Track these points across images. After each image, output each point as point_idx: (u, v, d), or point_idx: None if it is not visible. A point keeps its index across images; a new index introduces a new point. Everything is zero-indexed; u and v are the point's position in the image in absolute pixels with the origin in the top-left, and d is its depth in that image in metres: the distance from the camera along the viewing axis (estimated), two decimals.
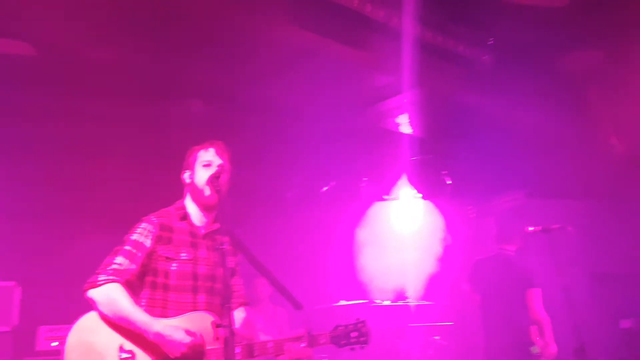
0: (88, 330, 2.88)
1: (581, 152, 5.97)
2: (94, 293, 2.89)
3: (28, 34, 4.49)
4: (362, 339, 3.18)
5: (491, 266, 5.63)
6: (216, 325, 2.60)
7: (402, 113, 6.07)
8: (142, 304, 2.99)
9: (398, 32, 4.76)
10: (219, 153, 3.21)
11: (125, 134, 5.72)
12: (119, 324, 2.87)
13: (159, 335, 2.83)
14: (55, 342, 5.88)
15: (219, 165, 3.17)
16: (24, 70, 4.88)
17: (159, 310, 2.98)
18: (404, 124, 6.29)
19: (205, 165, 3.18)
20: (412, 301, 6.68)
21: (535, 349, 5.02)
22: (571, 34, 5.27)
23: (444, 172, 6.93)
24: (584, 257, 6.53)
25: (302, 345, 3.07)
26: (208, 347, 2.90)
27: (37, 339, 5.84)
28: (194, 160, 3.24)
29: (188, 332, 2.87)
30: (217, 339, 2.61)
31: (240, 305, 3.29)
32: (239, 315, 3.24)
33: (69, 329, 5.95)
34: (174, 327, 2.87)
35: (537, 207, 6.67)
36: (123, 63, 4.71)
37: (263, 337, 3.20)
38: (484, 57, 5.50)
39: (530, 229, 4.87)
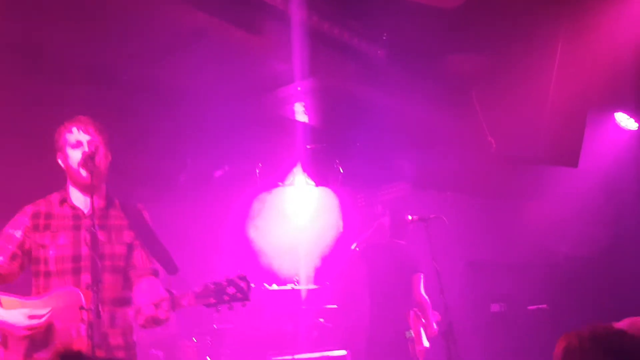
0: None
1: (461, 148, 6.35)
2: None
3: None
4: (239, 295, 2.89)
5: (381, 253, 5.94)
6: (81, 309, 2.58)
7: (298, 101, 6.14)
8: (32, 292, 3.01)
9: (297, 20, 4.79)
10: (83, 129, 3.11)
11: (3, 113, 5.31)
12: None
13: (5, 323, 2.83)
14: None
15: (90, 143, 3.07)
16: None
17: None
18: (300, 112, 6.37)
19: (73, 146, 3.09)
20: (300, 285, 6.84)
21: (409, 333, 5.33)
22: (460, 36, 5.55)
23: (336, 161, 7.11)
24: (458, 246, 7.01)
25: (165, 309, 2.91)
26: (59, 326, 2.86)
27: None
28: (64, 142, 3.14)
29: (30, 316, 2.82)
30: (82, 320, 2.59)
31: (144, 276, 3.20)
32: (140, 287, 3.17)
33: None
34: (14, 312, 2.83)
35: (421, 198, 7.06)
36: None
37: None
38: (378, 52, 5.67)
39: (410, 217, 5.24)
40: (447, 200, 7.16)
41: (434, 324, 5.48)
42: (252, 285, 3.02)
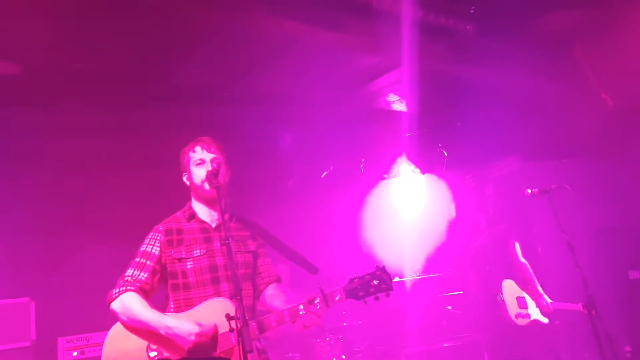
0: (118, 339, 3.02)
1: (572, 111, 5.99)
2: (112, 305, 3.03)
3: (11, 52, 4.49)
4: (383, 286, 3.03)
5: (485, 249, 5.86)
6: (228, 318, 2.66)
7: (392, 91, 6.08)
8: (170, 307, 3.11)
9: (380, 10, 4.76)
10: (206, 148, 3.29)
11: (122, 142, 5.74)
12: (137, 328, 2.97)
13: (167, 328, 2.92)
14: (74, 352, 5.97)
15: (213, 161, 3.24)
16: (11, 89, 4.89)
17: (185, 309, 3.08)
18: (397, 102, 6.31)
19: (198, 164, 3.27)
20: (420, 275, 6.75)
21: (500, 297, 5.32)
22: None
23: (439, 145, 6.96)
24: (585, 214, 6.60)
25: (320, 306, 2.98)
26: (221, 332, 2.96)
27: (58, 350, 5.92)
28: (187, 162, 3.33)
29: (197, 323, 2.93)
30: (231, 330, 2.67)
31: (269, 284, 3.34)
32: (269, 293, 3.30)
33: (86, 338, 6.06)
34: (181, 319, 2.96)
35: (534, 170, 6.72)
36: (109, 72, 4.71)
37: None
38: (467, 27, 5.50)
39: (529, 191, 4.96)
40: (564, 168, 6.75)
41: (546, 299, 5.38)
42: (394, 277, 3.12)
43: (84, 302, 5.73)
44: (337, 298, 3.02)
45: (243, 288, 3.12)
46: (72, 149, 5.86)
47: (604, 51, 5.48)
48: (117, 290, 3.04)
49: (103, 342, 5.88)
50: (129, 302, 2.99)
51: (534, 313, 5.50)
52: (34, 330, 5.82)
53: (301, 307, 3.00)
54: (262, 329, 3.00)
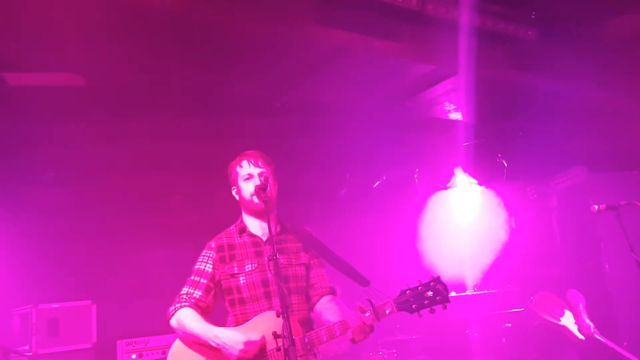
0: (178, 354, 3.10)
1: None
2: (171, 322, 3.14)
3: (77, 65, 4.70)
4: (438, 298, 2.87)
5: None
6: (275, 336, 2.65)
7: (449, 99, 5.95)
8: (230, 322, 3.17)
9: (435, 17, 4.67)
10: (253, 163, 3.30)
11: (179, 150, 5.90)
12: (192, 342, 3.05)
13: (216, 337, 2.96)
14: (133, 354, 6.13)
15: (261, 175, 3.24)
16: (76, 101, 5.12)
17: (242, 323, 3.11)
18: (453, 111, 6.16)
19: (246, 179, 3.28)
20: (477, 290, 6.53)
21: None
22: None
23: (499, 155, 6.73)
24: None
25: (370, 320, 2.88)
26: (269, 348, 2.95)
27: (118, 353, 6.10)
28: (235, 176, 3.35)
29: (247, 336, 2.94)
30: (278, 350, 2.67)
31: (322, 295, 3.29)
32: (322, 305, 3.25)
33: (145, 341, 6.23)
34: (231, 331, 2.99)
35: (600, 182, 6.37)
36: (165, 83, 4.86)
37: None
38: (528, 33, 5.31)
39: (596, 207, 4.65)
40: (632, 180, 6.37)
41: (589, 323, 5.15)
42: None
43: (143, 306, 5.91)
44: (387, 311, 2.91)
45: (294, 302, 3.14)
46: (129, 156, 6.06)
47: None
48: (174, 308, 3.13)
49: (160, 345, 6.05)
50: (183, 317, 3.08)
51: (568, 322, 5.35)
52: (95, 332, 6.03)
53: (351, 319, 2.91)
54: (312, 343, 2.97)
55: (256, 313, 3.10)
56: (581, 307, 5.53)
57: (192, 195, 6.84)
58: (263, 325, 2.99)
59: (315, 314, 3.27)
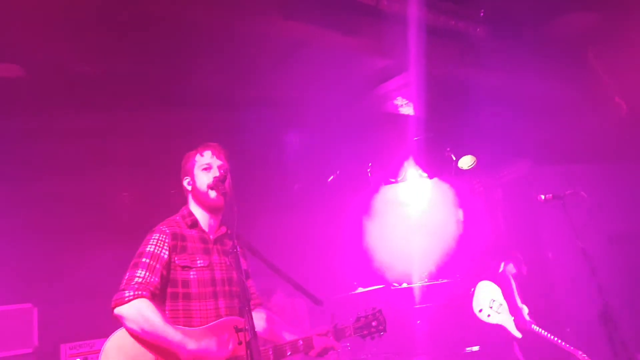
0: (119, 350, 2.81)
1: (584, 115, 5.90)
2: (122, 309, 2.80)
3: (15, 55, 4.42)
4: (380, 327, 3.36)
5: None
6: (236, 330, 2.58)
7: (400, 94, 6.00)
8: (166, 315, 2.92)
9: (389, 13, 4.68)
10: (215, 154, 3.19)
11: (124, 146, 5.69)
12: (148, 341, 2.80)
13: (192, 353, 2.79)
14: (77, 358, 5.91)
15: (221, 167, 3.14)
16: (15, 93, 4.83)
17: (182, 320, 2.94)
18: (404, 106, 6.22)
19: (204, 169, 3.16)
20: (428, 282, 6.64)
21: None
22: None
23: (447, 149, 6.87)
24: (600, 220, 6.49)
25: (332, 339, 3.18)
26: (239, 354, 2.88)
27: (61, 357, 5.85)
28: (192, 165, 3.21)
29: (219, 343, 2.86)
30: (240, 343, 2.56)
31: (257, 306, 3.30)
32: (259, 316, 3.23)
33: (90, 344, 5.99)
34: (207, 343, 2.85)
35: (544, 175, 6.62)
36: (114, 75, 4.65)
37: (288, 337, 3.17)
38: (477, 30, 5.41)
39: (542, 197, 4.83)
40: (575, 173, 6.65)
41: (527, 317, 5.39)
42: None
43: (87, 308, 5.68)
44: (347, 334, 3.29)
45: (232, 306, 3.05)
46: (72, 153, 5.80)
47: (618, 55, 5.38)
48: (130, 294, 2.80)
49: None
50: (147, 312, 2.78)
51: (504, 320, 5.54)
52: (36, 336, 5.76)
53: (315, 338, 3.14)
54: (277, 355, 2.97)
55: (200, 312, 2.97)
56: (514, 288, 5.73)
57: (139, 194, 6.62)
58: (228, 330, 2.92)
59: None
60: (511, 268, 5.96)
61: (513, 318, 5.67)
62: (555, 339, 5.33)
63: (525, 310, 5.70)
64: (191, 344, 2.80)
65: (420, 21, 4.90)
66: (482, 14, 5.36)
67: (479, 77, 5.75)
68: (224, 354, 2.86)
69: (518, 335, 5.62)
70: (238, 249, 2.84)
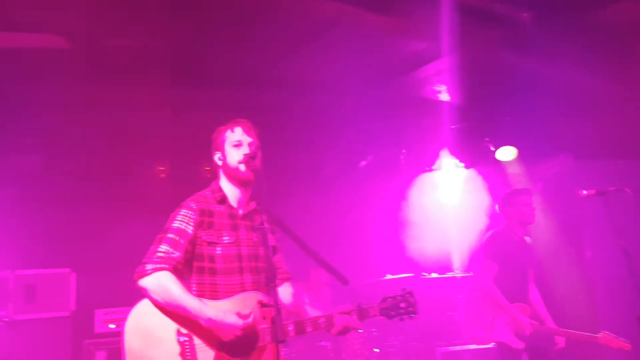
0: (145, 315, 2.90)
1: (630, 110, 5.63)
2: (145, 281, 2.88)
3: (59, 26, 4.56)
4: (410, 309, 3.22)
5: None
6: (262, 305, 2.65)
7: (439, 80, 5.87)
8: (193, 289, 3.01)
9: None
10: (246, 131, 3.19)
11: (161, 120, 5.81)
12: (171, 311, 2.88)
13: (211, 321, 2.84)
14: (112, 324, 6.12)
15: (252, 144, 3.16)
16: (59, 64, 4.99)
17: (208, 294, 3.00)
18: (442, 92, 6.09)
19: (235, 145, 3.16)
20: (459, 273, 6.55)
21: None
22: None
23: (486, 139, 6.70)
24: None
25: (354, 319, 3.11)
26: (260, 327, 2.92)
27: (95, 322, 6.07)
28: (223, 141, 3.22)
29: (240, 315, 2.88)
30: (264, 318, 2.63)
31: (285, 280, 3.31)
32: (285, 290, 3.27)
33: (123, 312, 6.21)
34: (225, 312, 2.88)
35: (586, 170, 6.37)
36: (149, 49, 4.74)
37: (312, 312, 3.19)
38: (522, 15, 5.22)
39: (584, 192, 4.61)
40: (618, 169, 6.37)
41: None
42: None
43: (123, 276, 5.81)
44: (371, 314, 3.19)
45: (258, 281, 3.08)
46: (112, 124, 5.97)
47: None
48: (152, 267, 2.89)
49: None
50: (167, 283, 2.87)
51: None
52: (73, 300, 5.99)
53: (337, 316, 3.09)
54: (297, 330, 2.98)
55: (226, 287, 3.00)
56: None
57: (173, 167, 6.77)
58: (250, 304, 2.94)
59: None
60: None
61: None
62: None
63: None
64: (210, 312, 2.85)
65: (461, 3, 4.77)
66: None
67: (521, 64, 5.56)
68: (243, 325, 2.88)
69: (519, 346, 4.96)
70: (266, 225, 2.88)
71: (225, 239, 3.08)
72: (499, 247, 5.02)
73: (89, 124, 5.90)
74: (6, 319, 5.51)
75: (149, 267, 2.90)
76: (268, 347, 2.90)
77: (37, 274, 5.91)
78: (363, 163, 6.99)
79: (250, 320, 2.88)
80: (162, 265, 2.91)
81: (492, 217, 6.86)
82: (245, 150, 3.12)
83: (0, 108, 5.43)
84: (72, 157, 6.29)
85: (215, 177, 3.30)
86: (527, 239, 5.19)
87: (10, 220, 6.11)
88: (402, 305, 3.21)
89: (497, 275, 4.93)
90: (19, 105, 5.47)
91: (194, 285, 3.02)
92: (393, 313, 3.20)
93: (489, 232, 5.29)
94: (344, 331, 3.13)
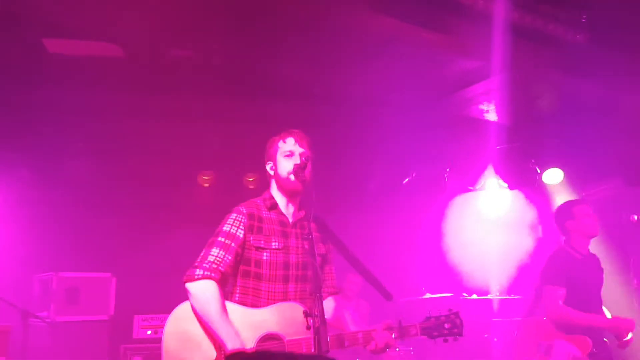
0: (184, 320, 2.95)
1: None
2: (191, 286, 2.95)
3: (115, 35, 4.67)
4: (455, 330, 3.14)
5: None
6: (306, 315, 2.60)
7: (487, 99, 5.81)
8: (236, 292, 3.05)
9: (484, 12, 4.53)
10: (298, 142, 3.22)
11: (209, 130, 5.88)
12: (203, 321, 2.91)
13: (224, 345, 2.83)
14: (149, 330, 6.16)
15: (303, 155, 3.17)
16: (114, 72, 5.10)
17: (251, 298, 3.03)
18: (490, 111, 6.02)
19: (286, 155, 3.19)
20: (499, 295, 6.41)
21: None
22: None
23: (532, 161, 6.58)
24: None
25: (393, 335, 3.04)
26: (287, 339, 2.91)
27: (134, 327, 6.12)
28: (275, 151, 3.26)
29: (259, 328, 2.89)
30: (308, 328, 2.60)
31: (331, 294, 3.28)
32: (328, 304, 3.23)
33: (161, 319, 6.24)
34: (236, 338, 2.85)
35: (636, 197, 6.19)
36: (205, 61, 4.81)
37: (353, 328, 3.15)
38: (576, 37, 5.14)
39: (635, 217, 4.47)
40: None
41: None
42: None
43: (162, 283, 5.90)
44: (412, 333, 3.11)
45: (304, 290, 3.06)
46: (161, 133, 6.06)
47: None
48: (201, 273, 2.94)
49: None
50: (209, 296, 2.91)
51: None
52: (113, 304, 6.06)
53: (376, 332, 3.02)
54: (334, 344, 2.92)
55: (269, 293, 3.03)
56: None
57: (217, 177, 6.84)
58: (281, 317, 2.95)
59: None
60: None
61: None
62: None
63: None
64: (229, 345, 2.81)
65: (514, 23, 4.72)
66: (583, 20, 5.10)
67: (574, 86, 5.46)
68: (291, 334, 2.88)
69: None
70: (315, 234, 2.97)
71: (274, 244, 3.10)
72: (562, 269, 4.46)
73: (138, 131, 6.01)
74: (48, 320, 5.57)
75: (198, 272, 2.95)
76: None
77: (80, 276, 5.99)
78: (406, 180, 6.94)
79: (272, 332, 2.88)
80: (211, 274, 2.95)
81: (537, 238, 6.75)
82: (296, 160, 3.15)
83: (56, 113, 5.57)
84: (121, 164, 6.41)
85: (266, 187, 3.34)
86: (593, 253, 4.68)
87: (57, 223, 6.24)
88: (447, 325, 3.14)
89: (567, 301, 4.39)
90: (73, 110, 5.61)
91: (238, 288, 3.06)
92: (435, 333, 3.13)
93: (550, 255, 4.70)
94: (383, 349, 3.03)
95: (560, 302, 4.39)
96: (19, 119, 5.55)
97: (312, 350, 2.71)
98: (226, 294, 3.05)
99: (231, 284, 3.08)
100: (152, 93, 5.39)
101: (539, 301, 4.77)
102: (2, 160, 5.86)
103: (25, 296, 5.69)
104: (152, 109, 5.69)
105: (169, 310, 6.20)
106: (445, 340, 3.14)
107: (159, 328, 6.21)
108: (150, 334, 6.15)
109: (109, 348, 5.93)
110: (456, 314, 3.18)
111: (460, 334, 3.15)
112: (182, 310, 2.98)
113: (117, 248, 6.48)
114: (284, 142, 3.24)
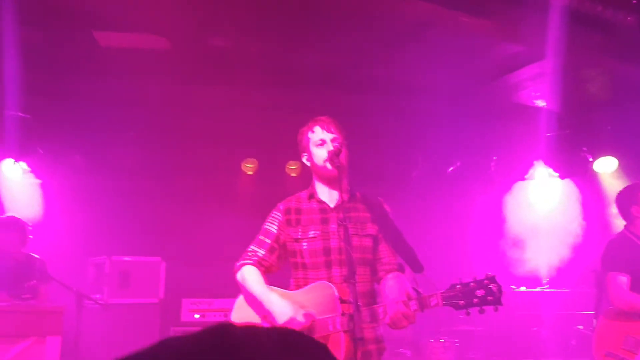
0: (238, 309, 3.23)
1: None
2: (237, 276, 3.20)
3: (162, 27, 4.81)
4: (490, 298, 2.61)
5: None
6: (340, 301, 2.61)
7: (535, 85, 5.63)
8: (292, 284, 3.20)
9: None
10: (326, 128, 3.21)
11: (247, 118, 5.97)
12: (251, 299, 3.12)
13: (270, 302, 3.01)
14: (196, 314, 6.34)
15: (335, 140, 3.18)
16: (159, 63, 5.26)
17: (302, 288, 3.15)
18: (538, 98, 5.83)
19: (318, 145, 3.21)
20: (549, 288, 6.23)
21: None
22: None
23: (584, 149, 6.33)
24: None
25: (413, 308, 2.71)
26: (319, 317, 2.93)
27: (182, 311, 6.32)
28: (307, 142, 3.28)
29: (296, 308, 2.95)
30: (343, 314, 2.61)
31: (388, 272, 3.15)
32: (386, 282, 3.11)
33: (208, 302, 6.39)
34: (282, 300, 3.00)
35: None
36: (243, 50, 4.88)
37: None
38: (627, 19, 4.92)
39: None
40: None
41: None
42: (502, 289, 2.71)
43: (210, 269, 6.09)
44: (433, 303, 2.70)
45: (358, 272, 3.04)
46: (205, 122, 6.20)
47: None
48: (240, 264, 3.20)
49: (223, 308, 6.21)
50: (247, 275, 3.14)
51: None
52: (162, 288, 6.26)
53: (392, 305, 2.75)
54: (372, 318, 2.87)
55: (315, 280, 3.09)
56: None
57: (260, 165, 6.93)
58: (312, 296, 3.00)
59: (381, 290, 3.15)
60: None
61: None
62: None
63: None
64: (270, 296, 3.01)
65: (562, 5, 4.56)
66: (635, 1, 4.87)
67: (623, 71, 5.23)
68: (297, 316, 2.93)
69: None
70: (363, 215, 3.13)
71: (311, 233, 3.15)
72: (624, 256, 4.19)
73: (184, 121, 6.18)
74: (101, 302, 5.80)
75: (238, 264, 3.21)
76: (331, 337, 2.84)
77: (131, 260, 6.22)
78: (451, 169, 6.82)
79: (307, 315, 2.92)
80: (247, 261, 3.19)
81: (587, 229, 6.51)
82: (329, 147, 3.15)
83: (108, 103, 5.80)
84: (167, 153, 6.60)
85: (309, 175, 3.37)
86: None
87: (110, 209, 6.49)
88: (479, 293, 2.60)
89: (632, 289, 4.11)
90: (123, 100, 5.82)
91: (293, 280, 3.21)
92: (462, 302, 2.62)
93: (610, 240, 4.41)
94: (399, 321, 2.72)
95: (625, 289, 4.12)
96: (73, 109, 5.81)
97: (339, 328, 2.78)
98: (286, 288, 3.19)
99: (290, 277, 3.25)
100: (195, 83, 5.53)
101: (603, 289, 4.51)
102: (58, 148, 6.15)
103: (80, 279, 5.94)
104: (196, 99, 5.84)
105: (216, 294, 6.36)
106: (481, 311, 2.62)
107: (206, 312, 6.39)
108: (198, 317, 6.33)
109: (159, 330, 6.14)
110: (491, 279, 2.63)
111: (499, 303, 2.60)
112: (237, 302, 3.25)
113: (166, 233, 6.70)
114: (312, 132, 3.25)
